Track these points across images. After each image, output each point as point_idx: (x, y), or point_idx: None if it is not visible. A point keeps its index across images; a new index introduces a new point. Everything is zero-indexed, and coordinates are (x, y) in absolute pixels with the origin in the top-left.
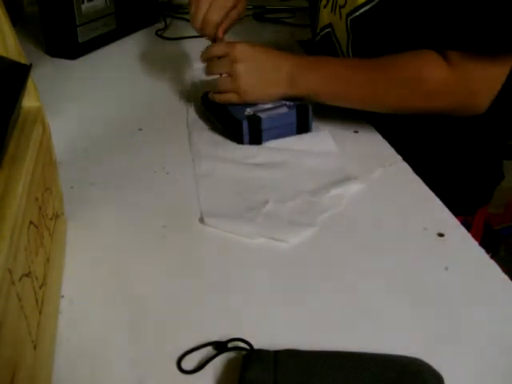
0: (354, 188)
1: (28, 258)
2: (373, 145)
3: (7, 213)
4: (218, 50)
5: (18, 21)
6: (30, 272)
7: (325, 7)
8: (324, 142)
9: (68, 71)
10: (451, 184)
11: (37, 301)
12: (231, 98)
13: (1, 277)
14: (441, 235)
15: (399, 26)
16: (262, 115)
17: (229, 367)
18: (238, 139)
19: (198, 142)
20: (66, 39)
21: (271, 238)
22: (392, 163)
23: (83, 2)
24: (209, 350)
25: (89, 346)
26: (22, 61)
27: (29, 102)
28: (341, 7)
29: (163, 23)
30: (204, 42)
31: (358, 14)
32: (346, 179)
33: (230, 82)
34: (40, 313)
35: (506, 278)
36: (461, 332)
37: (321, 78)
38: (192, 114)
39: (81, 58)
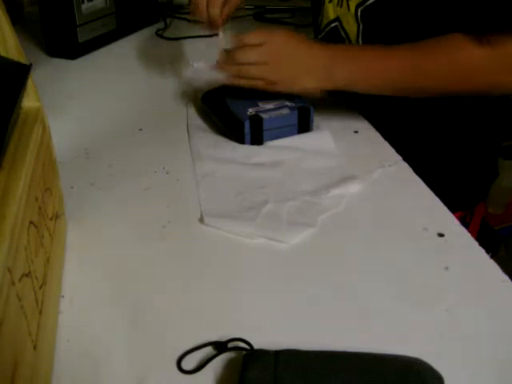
0: (353, 188)
1: (28, 258)
2: (373, 145)
3: (7, 213)
4: (256, 38)
5: (17, 21)
6: (29, 272)
7: (330, 2)
8: (324, 142)
9: (68, 71)
10: (449, 180)
11: (37, 301)
12: (259, 84)
13: (1, 277)
14: (441, 235)
15: (413, 14)
16: (264, 116)
17: (229, 367)
18: (239, 139)
19: (198, 142)
20: (66, 39)
21: (271, 238)
22: (392, 163)
23: (83, 2)
24: (209, 350)
25: (89, 346)
26: (22, 61)
27: (29, 102)
28: (348, 0)
29: (163, 23)
30: (204, 42)
31: (368, 3)
32: (345, 179)
33: (262, 70)
34: (40, 313)
35: (505, 278)
36: (461, 332)
37: (358, 69)
38: (192, 113)
39: (81, 58)
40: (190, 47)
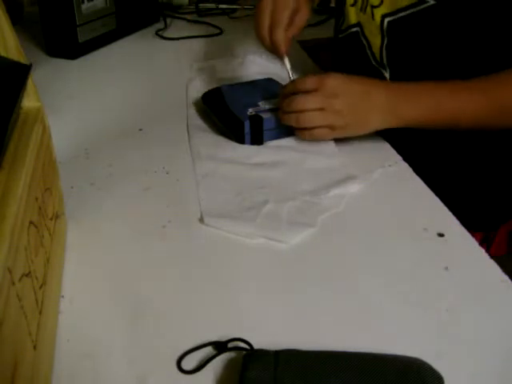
0: (353, 188)
1: (28, 258)
2: (373, 145)
3: (7, 213)
4: (309, 83)
5: (17, 21)
6: (29, 272)
7: (352, 5)
8: (324, 142)
9: (68, 71)
10: (471, 199)
11: (37, 301)
12: (324, 134)
13: (1, 277)
14: (441, 235)
15: (445, 36)
16: (264, 116)
17: (229, 367)
18: (239, 139)
19: (198, 142)
20: (66, 39)
21: (271, 238)
22: (392, 163)
23: (83, 2)
24: (209, 350)
25: (89, 346)
26: (22, 61)
27: (29, 102)
28: (374, 7)
29: (163, 23)
30: (204, 42)
31: (397, 16)
32: (346, 179)
33: (323, 118)
34: (40, 313)
35: (505, 278)
36: (461, 332)
37: (427, 104)
38: (192, 113)
39: (81, 58)
40: (190, 47)
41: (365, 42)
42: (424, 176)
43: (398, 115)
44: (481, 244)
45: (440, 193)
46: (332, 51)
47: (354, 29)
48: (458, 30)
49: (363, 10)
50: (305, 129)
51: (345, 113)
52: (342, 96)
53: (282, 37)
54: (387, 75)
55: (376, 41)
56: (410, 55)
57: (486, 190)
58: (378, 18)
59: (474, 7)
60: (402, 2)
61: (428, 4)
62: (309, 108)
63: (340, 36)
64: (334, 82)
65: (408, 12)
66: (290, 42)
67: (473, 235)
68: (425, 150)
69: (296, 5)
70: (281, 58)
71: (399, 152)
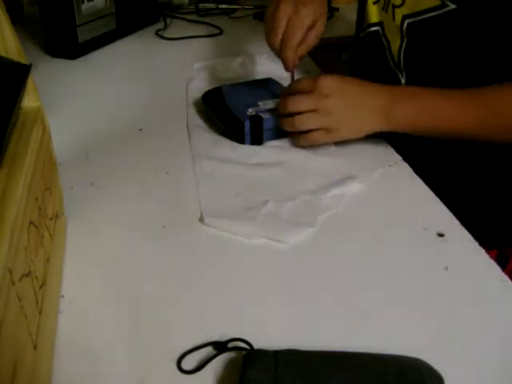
0: (353, 188)
1: (28, 258)
2: (373, 145)
3: (7, 213)
4: (304, 84)
5: (17, 21)
6: (29, 272)
7: (374, 3)
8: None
9: (68, 71)
10: (486, 216)
11: (37, 301)
12: (319, 137)
13: (1, 277)
14: (441, 235)
15: (464, 42)
16: (264, 116)
17: (229, 367)
18: (239, 139)
19: (198, 142)
20: (66, 39)
21: (271, 238)
22: (392, 163)
23: (83, 2)
24: (209, 350)
25: (89, 346)
26: (22, 61)
27: (29, 102)
28: (395, 6)
29: (163, 23)
30: (204, 42)
31: (418, 19)
32: (345, 179)
33: (316, 119)
34: (40, 313)
35: (505, 278)
36: (461, 332)
37: (418, 112)
38: (192, 113)
39: (81, 58)
40: (190, 47)
41: (385, 42)
42: (424, 176)
43: (390, 119)
44: (497, 261)
45: (440, 193)
46: (353, 50)
47: (375, 28)
48: (477, 36)
49: (385, 8)
50: (300, 133)
51: (337, 113)
52: (334, 96)
53: (291, 55)
54: (403, 80)
55: (395, 42)
56: (428, 59)
57: (495, 201)
58: (398, 18)
59: (495, 13)
60: (423, 5)
61: (449, 8)
62: (302, 109)
63: (361, 34)
64: (328, 82)
65: (428, 15)
66: (300, 60)
67: (487, 252)
68: (425, 151)
69: (312, 21)
70: (287, 71)
71: (399, 152)
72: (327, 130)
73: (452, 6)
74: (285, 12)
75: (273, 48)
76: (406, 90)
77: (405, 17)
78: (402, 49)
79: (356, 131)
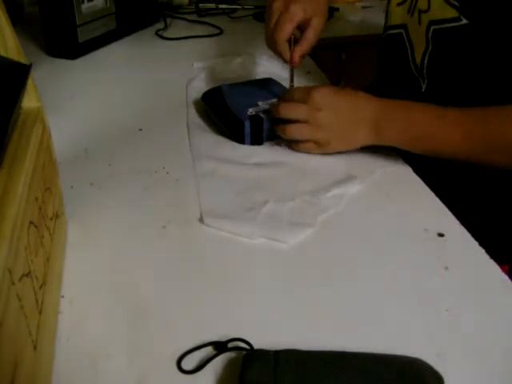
0: (353, 188)
1: (28, 258)
2: (373, 145)
3: (7, 213)
4: (297, 94)
5: (17, 21)
6: (29, 272)
7: (399, 5)
8: None
9: (68, 71)
10: (496, 230)
11: (37, 301)
12: (310, 149)
13: (1, 277)
14: (441, 235)
15: (478, 57)
16: (264, 115)
17: (229, 367)
18: (239, 139)
19: (198, 142)
20: (66, 39)
21: (271, 238)
22: (392, 164)
23: (83, 2)
24: (209, 350)
25: (89, 346)
26: (22, 61)
27: (29, 102)
28: (422, 11)
29: (163, 23)
30: (204, 42)
31: (443, 26)
32: (345, 179)
33: (308, 131)
34: (40, 313)
35: (505, 277)
36: (461, 332)
37: (407, 130)
38: (192, 113)
39: (81, 58)
40: (190, 47)
41: (408, 45)
42: (424, 176)
43: (381, 135)
44: (509, 276)
45: (440, 193)
46: (378, 50)
47: (398, 30)
48: (490, 52)
49: (410, 12)
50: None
51: (329, 128)
52: (326, 110)
53: (284, 48)
54: (424, 86)
55: (420, 46)
56: (450, 69)
57: (504, 214)
58: (424, 24)
59: (507, 30)
60: (446, 14)
61: (463, 22)
62: (294, 117)
63: (383, 35)
64: (321, 95)
65: (451, 25)
66: (302, 58)
67: (499, 267)
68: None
69: (303, 17)
70: (291, 64)
71: (399, 152)
72: (317, 143)
73: (464, 21)
74: (277, 9)
75: (268, 45)
76: (399, 107)
77: (431, 23)
78: (427, 55)
79: (346, 145)
